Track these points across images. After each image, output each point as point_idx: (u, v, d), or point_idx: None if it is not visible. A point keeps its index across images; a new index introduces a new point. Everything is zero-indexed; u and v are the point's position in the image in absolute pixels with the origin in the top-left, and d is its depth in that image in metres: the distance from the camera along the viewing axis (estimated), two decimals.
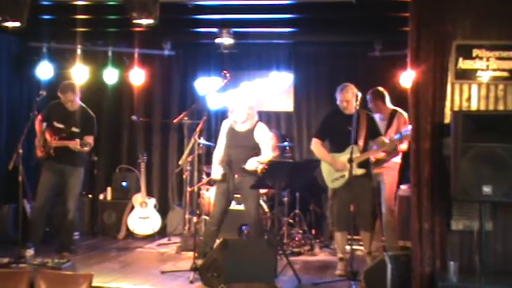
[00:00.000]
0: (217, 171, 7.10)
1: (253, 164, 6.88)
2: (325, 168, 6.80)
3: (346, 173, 6.52)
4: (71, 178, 7.27)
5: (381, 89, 7.64)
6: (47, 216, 7.48)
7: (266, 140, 7.07)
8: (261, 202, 8.03)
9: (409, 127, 6.56)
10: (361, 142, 6.64)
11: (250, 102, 7.16)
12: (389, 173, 7.28)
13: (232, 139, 7.05)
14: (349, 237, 6.52)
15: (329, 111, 7.23)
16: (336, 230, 6.90)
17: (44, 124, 7.20)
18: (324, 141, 6.91)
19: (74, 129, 7.21)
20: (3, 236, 8.26)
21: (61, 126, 7.24)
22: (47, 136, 7.18)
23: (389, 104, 7.62)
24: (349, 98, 6.66)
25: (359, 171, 6.56)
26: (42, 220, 7.38)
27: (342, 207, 6.60)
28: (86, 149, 7.14)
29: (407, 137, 6.58)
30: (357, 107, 6.52)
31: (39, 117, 7.27)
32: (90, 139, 7.26)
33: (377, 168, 7.16)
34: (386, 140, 6.83)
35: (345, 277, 6.42)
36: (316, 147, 6.88)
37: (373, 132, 6.78)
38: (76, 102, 7.33)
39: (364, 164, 6.66)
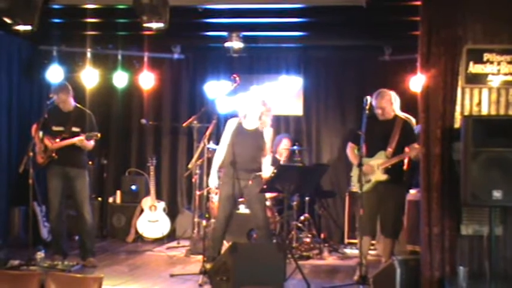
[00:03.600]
0: (214, 179, 6.99)
1: (269, 170, 6.83)
2: (354, 173, 6.76)
3: (372, 178, 6.51)
4: (77, 182, 7.21)
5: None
6: (65, 221, 7.46)
7: (270, 141, 7.08)
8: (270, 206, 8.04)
9: (419, 126, 6.53)
10: (390, 148, 6.54)
11: (266, 102, 7.03)
12: None
13: (240, 137, 6.92)
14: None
15: (366, 116, 7.14)
16: (359, 234, 6.84)
17: (41, 132, 7.15)
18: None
19: (75, 129, 7.15)
20: (14, 239, 8.30)
21: (60, 129, 7.17)
22: (47, 142, 7.13)
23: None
24: (384, 105, 6.56)
25: (382, 177, 6.51)
26: (63, 227, 7.38)
27: (366, 212, 6.49)
28: (92, 142, 7.14)
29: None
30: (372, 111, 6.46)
31: (35, 126, 7.21)
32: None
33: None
34: (417, 146, 6.62)
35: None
36: (349, 150, 6.89)
37: (407, 139, 6.62)
38: (70, 102, 7.25)
39: (392, 171, 6.53)
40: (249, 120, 6.95)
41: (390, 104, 6.66)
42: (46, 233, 8.18)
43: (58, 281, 5.28)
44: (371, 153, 6.55)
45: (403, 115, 7.57)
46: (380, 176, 6.54)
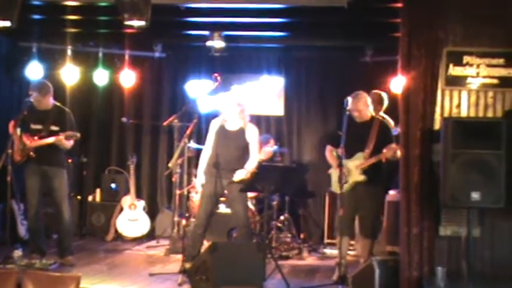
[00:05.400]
0: (201, 179, 6.97)
1: (242, 175, 6.80)
2: (333, 173, 6.79)
3: (350, 179, 6.52)
4: (55, 180, 7.14)
5: (383, 93, 7.66)
6: (43, 219, 7.41)
7: (256, 141, 7.01)
8: (250, 205, 8.02)
9: (396, 129, 6.59)
10: (368, 149, 6.56)
11: (240, 102, 7.02)
12: None
13: (222, 138, 6.91)
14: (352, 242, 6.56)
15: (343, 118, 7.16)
16: (338, 234, 6.87)
17: (18, 129, 7.06)
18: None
19: (53, 128, 7.06)
20: None
21: (39, 127, 7.08)
22: (25, 140, 7.04)
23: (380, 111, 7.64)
24: (361, 107, 6.58)
25: (360, 178, 6.53)
26: (41, 226, 7.31)
27: (345, 213, 6.53)
28: (71, 142, 7.09)
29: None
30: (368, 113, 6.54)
31: (12, 122, 7.11)
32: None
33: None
34: (393, 146, 6.61)
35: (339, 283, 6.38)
36: (327, 153, 6.89)
37: (385, 140, 6.63)
38: (46, 102, 7.13)
39: (370, 172, 6.55)
40: (230, 121, 6.95)
41: (366, 106, 6.67)
42: (24, 231, 8.10)
43: (35, 280, 5.24)
44: (349, 155, 6.55)
45: (381, 115, 7.63)
46: (357, 176, 6.55)
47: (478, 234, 5.15)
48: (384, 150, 6.63)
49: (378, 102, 7.60)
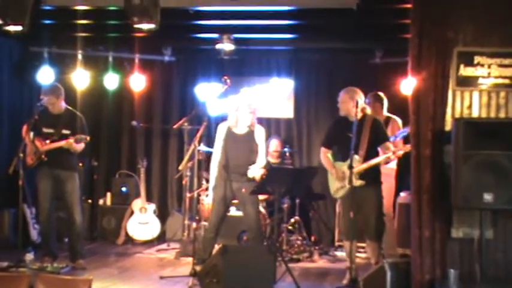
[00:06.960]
0: (212, 184, 7.01)
1: (256, 172, 6.83)
2: (330, 178, 6.71)
3: (346, 183, 6.36)
4: (67, 184, 7.18)
5: (381, 93, 7.64)
6: (55, 223, 7.43)
7: (263, 142, 7.03)
8: (261, 208, 8.01)
9: (405, 129, 6.54)
10: (362, 151, 6.40)
11: (252, 104, 7.04)
12: (385, 180, 7.13)
13: (232, 142, 6.93)
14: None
15: (336, 118, 6.97)
16: (344, 239, 6.82)
17: (31, 133, 7.11)
18: (332, 149, 6.77)
19: (65, 132, 7.11)
20: (3, 241, 8.25)
21: (51, 130, 7.13)
22: (37, 143, 7.09)
23: (385, 110, 7.61)
24: (343, 101, 6.50)
25: (357, 183, 6.35)
26: (53, 229, 7.35)
27: (346, 217, 6.45)
28: (82, 145, 7.11)
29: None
30: (357, 113, 6.35)
31: (25, 126, 7.14)
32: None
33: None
34: (392, 146, 6.56)
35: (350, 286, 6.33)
36: (322, 156, 6.77)
37: (378, 138, 6.51)
38: (59, 105, 7.20)
39: (366, 174, 6.42)
40: (238, 125, 6.96)
41: (349, 101, 6.52)
42: (36, 235, 8.15)
43: (47, 283, 5.25)
44: (344, 157, 6.45)
45: (390, 116, 7.61)
46: (354, 181, 6.29)
47: (491, 236, 5.11)
48: (381, 153, 6.54)
49: (378, 101, 7.57)
